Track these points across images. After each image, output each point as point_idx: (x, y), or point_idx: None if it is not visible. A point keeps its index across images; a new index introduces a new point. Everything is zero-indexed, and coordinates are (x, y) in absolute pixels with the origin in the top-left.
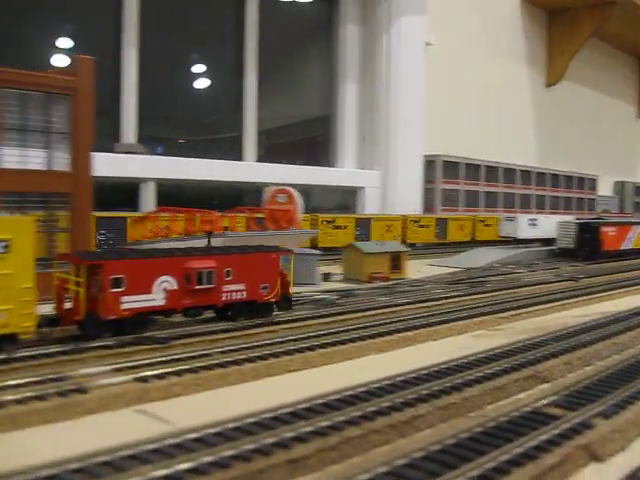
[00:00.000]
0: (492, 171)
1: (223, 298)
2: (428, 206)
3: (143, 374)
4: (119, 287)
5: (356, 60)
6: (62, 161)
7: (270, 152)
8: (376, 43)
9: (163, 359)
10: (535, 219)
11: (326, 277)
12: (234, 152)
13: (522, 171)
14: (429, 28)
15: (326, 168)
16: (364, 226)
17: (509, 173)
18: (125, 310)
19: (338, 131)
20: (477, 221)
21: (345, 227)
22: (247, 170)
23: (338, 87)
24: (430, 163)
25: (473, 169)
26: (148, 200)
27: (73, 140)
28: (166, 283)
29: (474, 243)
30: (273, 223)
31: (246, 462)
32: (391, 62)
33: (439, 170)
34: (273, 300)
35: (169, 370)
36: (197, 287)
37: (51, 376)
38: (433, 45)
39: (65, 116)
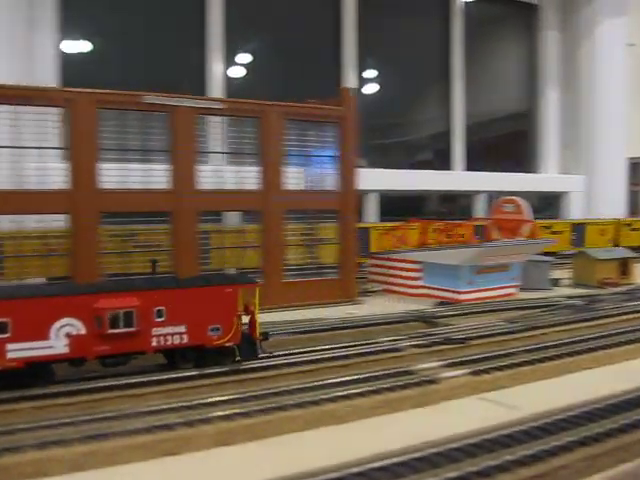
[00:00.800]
0: None
1: (154, 343)
2: (633, 209)
3: (475, 368)
4: (2, 333)
5: (556, 65)
6: (331, 181)
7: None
8: (577, 47)
9: (476, 356)
10: None
11: (555, 282)
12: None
13: None
14: (631, 29)
15: (531, 174)
16: None
17: None
18: (12, 360)
19: (538, 135)
20: (622, 225)
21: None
22: (456, 179)
23: (538, 91)
24: (635, 165)
25: None
26: (370, 210)
27: (341, 161)
28: (69, 327)
29: None
30: (503, 233)
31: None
32: (593, 66)
33: None
34: (230, 344)
35: (492, 365)
36: (112, 331)
37: (399, 369)
38: (635, 45)
39: (334, 140)
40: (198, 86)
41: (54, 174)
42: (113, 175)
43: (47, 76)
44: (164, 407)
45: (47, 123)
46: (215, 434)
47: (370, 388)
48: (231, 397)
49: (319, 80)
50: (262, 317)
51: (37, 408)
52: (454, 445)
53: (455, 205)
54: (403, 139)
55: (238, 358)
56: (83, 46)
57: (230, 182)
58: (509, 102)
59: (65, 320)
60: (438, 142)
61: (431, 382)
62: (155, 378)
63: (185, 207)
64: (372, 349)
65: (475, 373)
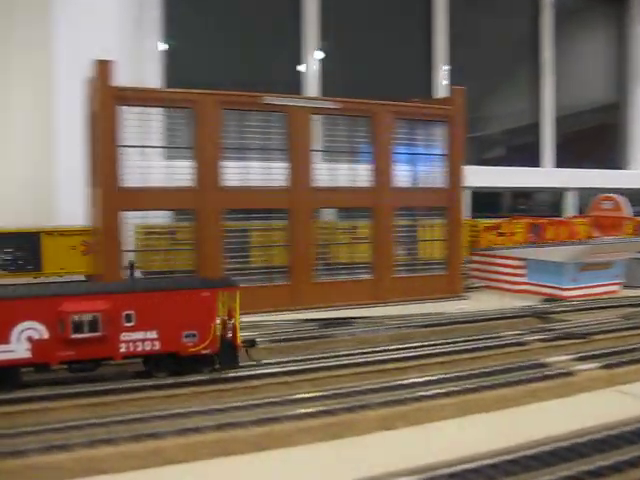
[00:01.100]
0: None
1: (122, 349)
2: None
3: (606, 362)
4: None
5: None
6: (438, 178)
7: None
8: None
9: (604, 351)
10: None
11: None
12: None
13: None
14: None
15: (621, 171)
16: None
17: None
18: None
19: (629, 130)
20: None
21: None
22: (545, 175)
23: (628, 85)
24: None
25: None
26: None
27: (448, 159)
28: (31, 331)
29: None
30: (602, 230)
31: None
32: None
33: None
34: (207, 352)
35: (622, 359)
36: (75, 336)
37: (531, 362)
38: None
39: (441, 139)
40: (294, 85)
41: (181, 172)
42: (234, 173)
43: (153, 77)
44: (318, 395)
45: (174, 123)
46: (377, 419)
47: (511, 379)
48: (384, 385)
49: (409, 78)
50: (375, 311)
51: (197, 393)
52: (612, 432)
53: (531, 201)
54: (480, 134)
55: (217, 367)
56: (180, 46)
57: (342, 180)
58: (597, 96)
59: (27, 323)
60: (516, 137)
61: (567, 374)
62: (302, 367)
63: (302, 204)
64: (498, 343)
65: (607, 366)
